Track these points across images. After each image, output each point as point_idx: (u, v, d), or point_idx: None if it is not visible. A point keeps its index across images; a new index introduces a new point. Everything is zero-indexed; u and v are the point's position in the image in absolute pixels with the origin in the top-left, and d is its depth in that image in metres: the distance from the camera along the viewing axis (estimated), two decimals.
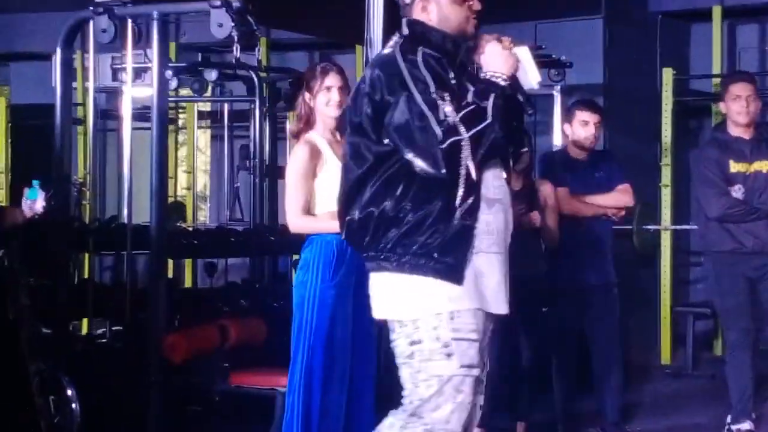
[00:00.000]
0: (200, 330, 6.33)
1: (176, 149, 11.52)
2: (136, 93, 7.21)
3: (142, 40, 6.58)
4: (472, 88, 3.64)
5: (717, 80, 9.65)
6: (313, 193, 5.01)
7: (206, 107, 11.80)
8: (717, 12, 10.31)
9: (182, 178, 11.70)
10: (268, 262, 8.44)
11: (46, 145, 6.90)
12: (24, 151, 10.86)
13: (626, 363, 6.59)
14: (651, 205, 9.43)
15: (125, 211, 6.85)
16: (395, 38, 3.83)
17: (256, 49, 8.48)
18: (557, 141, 9.30)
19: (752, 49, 11.08)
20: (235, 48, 6.60)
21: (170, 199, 10.01)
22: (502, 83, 3.67)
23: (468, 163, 3.52)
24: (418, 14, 3.80)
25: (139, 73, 7.80)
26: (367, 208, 3.68)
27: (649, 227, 9.43)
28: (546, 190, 6.28)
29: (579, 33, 9.99)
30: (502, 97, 3.63)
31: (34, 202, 5.37)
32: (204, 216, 12.42)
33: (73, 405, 5.49)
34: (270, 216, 8.97)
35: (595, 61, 9.91)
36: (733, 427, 6.33)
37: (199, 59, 10.71)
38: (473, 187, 3.59)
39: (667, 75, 9.93)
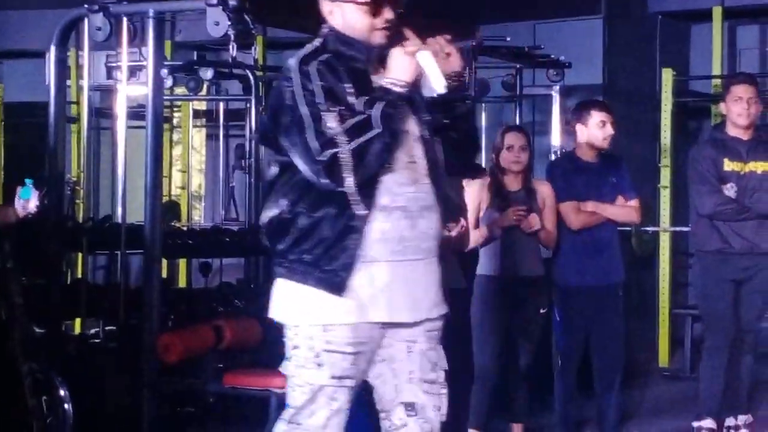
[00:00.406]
0: (194, 330, 6.33)
1: (171, 148, 11.52)
2: (130, 91, 7.24)
3: (137, 38, 6.60)
4: (366, 98, 3.56)
5: (717, 81, 9.68)
6: None
7: (201, 106, 11.81)
8: (717, 12, 10.33)
9: (177, 177, 11.70)
10: (264, 263, 8.45)
11: (39, 144, 6.91)
12: (17, 149, 10.88)
13: (625, 365, 6.61)
14: (650, 207, 9.45)
15: (119, 211, 6.87)
16: (312, 42, 3.75)
17: (253, 47, 8.50)
18: (556, 141, 9.33)
19: (753, 50, 11.13)
20: (231, 47, 6.61)
21: (165, 199, 10.02)
22: (398, 90, 3.57)
23: (351, 174, 3.47)
24: (328, 16, 3.74)
25: (134, 71, 7.82)
26: (271, 214, 3.69)
27: (648, 229, 9.45)
28: (545, 191, 6.27)
29: (578, 33, 10.03)
30: (396, 106, 3.54)
31: (28, 201, 5.38)
32: (199, 215, 12.42)
33: (66, 405, 5.48)
34: None
35: (594, 62, 9.94)
36: (695, 424, 6.42)
37: (195, 58, 10.74)
38: (362, 197, 3.55)
39: (667, 75, 9.95)
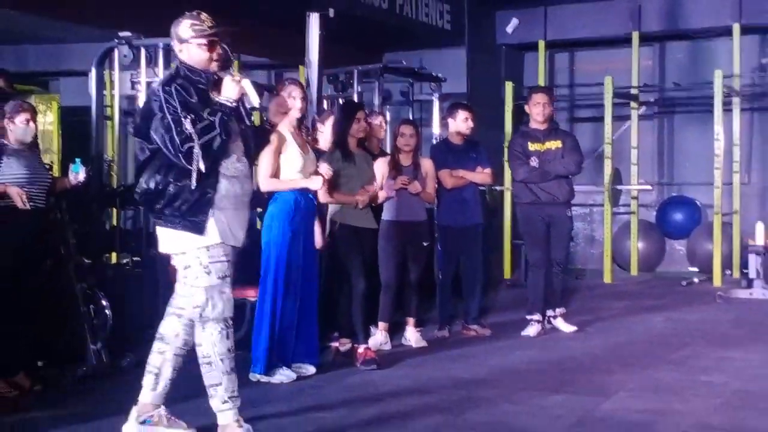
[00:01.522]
0: None
1: None
2: None
3: (152, 62, 6.52)
4: (209, 109, 3.72)
5: None
6: (279, 165, 5.01)
7: None
8: (542, 44, 10.47)
9: None
10: None
11: (85, 134, 6.79)
12: (69, 138, 10.63)
13: (482, 278, 6.68)
14: (497, 174, 9.52)
15: None
16: (169, 71, 3.87)
17: (230, 68, 8.37)
18: (435, 131, 9.36)
19: (565, 70, 11.29)
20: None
21: None
22: (229, 104, 3.75)
23: (201, 158, 3.63)
24: (178, 53, 3.83)
25: (149, 85, 7.67)
26: (147, 185, 3.77)
27: (496, 188, 9.56)
28: (427, 165, 6.27)
29: (450, 58, 10.05)
30: (228, 114, 3.72)
31: (77, 174, 5.30)
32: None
33: (107, 312, 5.44)
34: None
35: (461, 78, 9.98)
36: (528, 317, 6.54)
37: None
38: (209, 171, 3.71)
39: (508, 87, 10.05)
